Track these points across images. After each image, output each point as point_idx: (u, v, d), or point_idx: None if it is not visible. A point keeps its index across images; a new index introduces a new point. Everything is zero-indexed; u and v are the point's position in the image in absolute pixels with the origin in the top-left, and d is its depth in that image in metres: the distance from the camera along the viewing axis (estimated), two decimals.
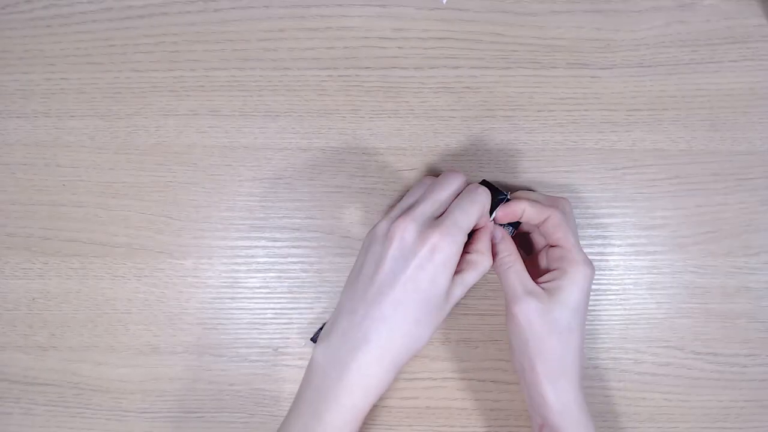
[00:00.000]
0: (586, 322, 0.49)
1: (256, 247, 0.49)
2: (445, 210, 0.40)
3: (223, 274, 0.49)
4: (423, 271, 0.38)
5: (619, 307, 0.49)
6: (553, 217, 0.42)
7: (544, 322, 0.40)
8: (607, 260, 0.49)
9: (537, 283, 0.42)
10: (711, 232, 0.49)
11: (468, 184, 0.42)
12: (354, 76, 0.49)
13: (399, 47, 0.49)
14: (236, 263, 0.49)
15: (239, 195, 0.49)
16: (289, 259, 0.49)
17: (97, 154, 0.50)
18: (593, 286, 0.49)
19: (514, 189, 0.49)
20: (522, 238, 0.47)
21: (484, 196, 0.41)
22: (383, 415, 0.49)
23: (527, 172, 0.49)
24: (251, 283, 0.49)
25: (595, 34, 0.49)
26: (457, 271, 0.40)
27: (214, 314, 0.49)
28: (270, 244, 0.49)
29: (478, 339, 0.49)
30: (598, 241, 0.49)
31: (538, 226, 0.43)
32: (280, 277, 0.49)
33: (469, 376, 0.49)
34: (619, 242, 0.49)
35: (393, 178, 0.49)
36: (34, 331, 0.49)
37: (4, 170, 0.50)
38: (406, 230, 0.38)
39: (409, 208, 0.39)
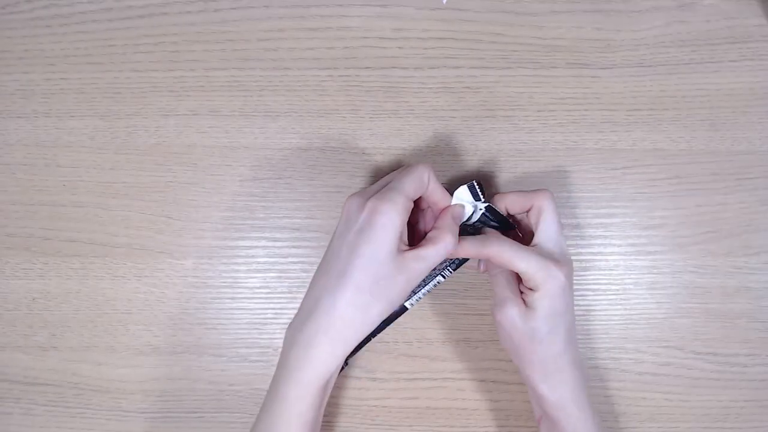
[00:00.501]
0: (584, 322, 0.49)
1: (256, 247, 0.49)
2: None
3: (223, 274, 0.49)
4: (363, 234, 0.38)
5: (619, 307, 0.49)
6: (534, 208, 0.42)
7: (525, 329, 0.41)
8: (607, 260, 0.49)
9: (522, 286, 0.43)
10: (711, 232, 0.49)
11: (432, 176, 0.42)
12: (354, 76, 0.49)
13: (399, 47, 0.49)
14: (236, 263, 0.49)
15: (239, 195, 0.49)
16: (289, 259, 0.49)
17: (97, 154, 0.49)
18: (594, 286, 0.49)
19: (507, 188, 0.49)
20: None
21: (425, 169, 0.41)
22: (383, 415, 0.49)
23: (527, 172, 0.49)
24: (251, 283, 0.49)
25: (595, 34, 0.49)
26: (417, 245, 0.40)
27: (214, 314, 0.49)
28: (270, 244, 0.49)
29: (478, 339, 0.49)
30: (598, 241, 0.49)
31: (526, 215, 0.44)
32: (280, 277, 0.49)
33: (469, 376, 0.49)
34: (619, 242, 0.49)
35: None
36: (34, 331, 0.49)
37: (5, 170, 0.50)
38: (352, 203, 0.39)
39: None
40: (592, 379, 0.49)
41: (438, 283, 0.44)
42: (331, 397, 0.49)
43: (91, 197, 0.49)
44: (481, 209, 0.44)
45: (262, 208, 0.49)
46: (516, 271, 0.41)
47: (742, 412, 0.49)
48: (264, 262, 0.49)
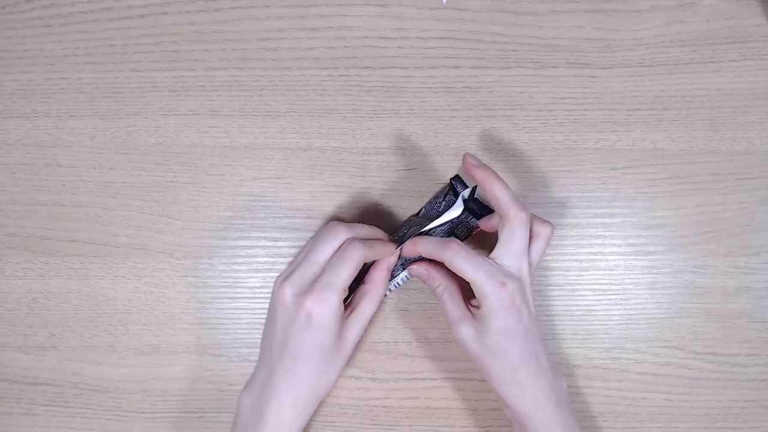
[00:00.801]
0: (584, 322, 0.49)
1: (256, 247, 0.49)
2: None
3: (223, 274, 0.49)
4: (305, 332, 0.41)
5: (619, 307, 0.49)
6: (509, 219, 0.42)
7: (478, 346, 0.41)
8: (607, 260, 0.49)
9: (471, 305, 0.43)
10: (711, 232, 0.49)
11: (350, 234, 0.43)
12: (354, 76, 0.49)
13: (399, 47, 0.49)
14: (236, 263, 0.49)
15: (239, 195, 0.49)
16: (289, 259, 0.49)
17: (97, 154, 0.49)
18: (594, 286, 0.49)
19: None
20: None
21: (357, 251, 0.42)
22: (383, 415, 0.49)
23: (527, 172, 0.49)
24: (251, 283, 0.49)
25: (595, 34, 0.49)
26: (352, 308, 0.43)
27: (214, 314, 0.49)
28: (270, 244, 0.49)
29: None
30: (598, 241, 0.49)
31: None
32: None
33: (468, 376, 0.49)
34: (619, 242, 0.49)
35: (393, 178, 0.49)
36: (34, 331, 0.49)
37: (4, 170, 0.50)
38: (286, 296, 0.41)
39: (292, 271, 0.42)
40: (593, 379, 0.49)
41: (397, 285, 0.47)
42: (332, 397, 0.49)
43: (91, 197, 0.49)
44: (465, 198, 0.46)
45: (262, 208, 0.49)
46: (466, 279, 0.41)
47: (742, 412, 0.49)
48: (264, 262, 0.49)
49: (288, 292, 0.41)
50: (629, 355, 0.49)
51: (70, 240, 0.49)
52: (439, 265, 0.44)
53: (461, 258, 0.41)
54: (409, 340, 0.49)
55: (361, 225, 0.44)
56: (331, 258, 0.42)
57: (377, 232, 0.45)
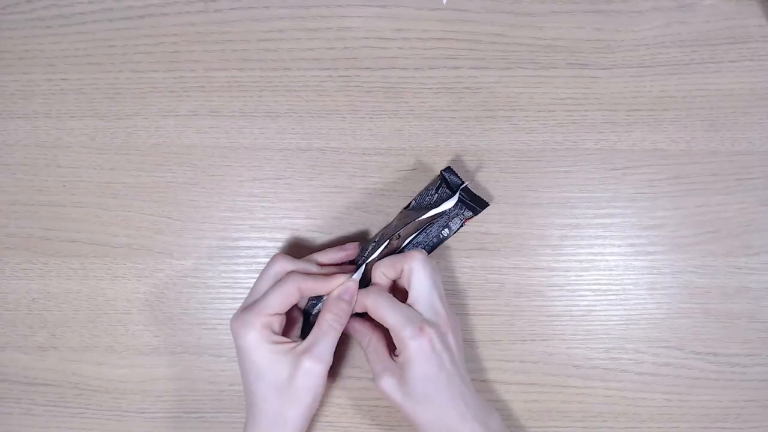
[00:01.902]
0: (584, 322, 0.49)
1: (256, 247, 0.49)
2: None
3: (223, 274, 0.49)
4: (241, 362, 0.42)
5: (619, 307, 0.49)
6: (405, 271, 0.43)
7: (401, 396, 0.41)
8: (607, 260, 0.49)
9: (394, 355, 0.43)
10: (711, 232, 0.49)
11: (291, 267, 0.44)
12: (354, 77, 0.49)
13: (399, 47, 0.49)
14: (236, 263, 0.49)
15: (239, 195, 0.49)
16: None
17: (97, 155, 0.50)
18: (594, 286, 0.49)
19: (507, 191, 0.49)
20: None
21: (290, 283, 0.42)
22: (383, 416, 0.49)
23: (527, 173, 0.49)
24: (251, 283, 0.49)
25: (595, 34, 0.49)
26: (308, 345, 0.42)
27: (214, 314, 0.49)
28: (270, 244, 0.49)
29: (478, 339, 0.49)
30: (598, 242, 0.49)
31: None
32: None
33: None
34: (619, 242, 0.49)
35: (393, 178, 0.49)
36: (34, 331, 0.49)
37: (5, 170, 0.50)
38: (231, 326, 0.43)
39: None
40: (593, 379, 0.49)
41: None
42: (332, 397, 0.49)
43: (91, 197, 0.49)
44: (455, 198, 0.45)
45: (262, 208, 0.49)
46: (386, 326, 0.41)
47: (742, 412, 0.49)
48: (264, 263, 0.49)
49: (231, 323, 0.43)
50: (629, 355, 0.49)
51: (70, 240, 0.49)
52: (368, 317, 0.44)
53: (381, 304, 0.41)
54: None
55: (307, 261, 0.45)
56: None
57: (326, 269, 0.45)
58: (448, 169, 0.46)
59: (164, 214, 0.49)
